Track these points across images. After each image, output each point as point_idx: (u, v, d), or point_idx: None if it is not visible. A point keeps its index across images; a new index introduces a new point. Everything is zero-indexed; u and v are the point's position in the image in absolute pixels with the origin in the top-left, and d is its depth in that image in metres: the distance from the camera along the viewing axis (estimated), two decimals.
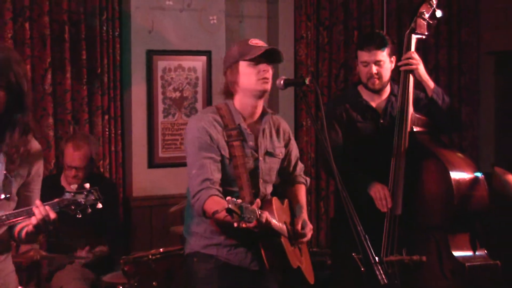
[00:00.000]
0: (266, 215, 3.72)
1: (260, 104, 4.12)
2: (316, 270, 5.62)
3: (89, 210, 3.48)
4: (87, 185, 3.49)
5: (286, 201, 4.23)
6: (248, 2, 6.95)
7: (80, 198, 3.46)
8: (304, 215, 4.20)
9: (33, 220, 3.36)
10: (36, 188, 3.66)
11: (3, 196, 3.46)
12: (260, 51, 3.97)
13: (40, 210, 3.34)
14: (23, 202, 3.56)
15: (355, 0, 7.15)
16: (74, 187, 3.47)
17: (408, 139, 4.70)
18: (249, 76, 4.00)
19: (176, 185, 6.28)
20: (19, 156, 3.49)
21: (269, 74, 4.01)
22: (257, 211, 3.60)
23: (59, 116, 6.09)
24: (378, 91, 4.92)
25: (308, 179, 4.44)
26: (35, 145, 3.61)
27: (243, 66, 4.01)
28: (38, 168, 3.65)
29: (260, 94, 4.05)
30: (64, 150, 5.57)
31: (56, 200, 3.44)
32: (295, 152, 4.35)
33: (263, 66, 3.98)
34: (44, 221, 3.35)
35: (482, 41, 7.69)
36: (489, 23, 7.61)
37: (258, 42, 4.05)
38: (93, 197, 3.48)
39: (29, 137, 3.55)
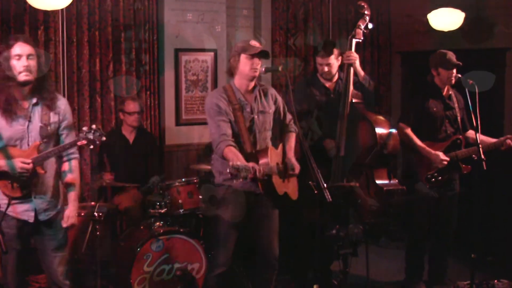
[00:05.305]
0: (257, 167, 3.72)
1: (252, 83, 4.10)
2: None
3: (98, 142, 3.34)
4: (94, 126, 3.36)
5: (280, 145, 4.20)
6: (241, 17, 6.79)
7: (90, 135, 3.33)
8: (292, 157, 4.15)
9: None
10: (67, 128, 3.53)
11: (39, 141, 3.38)
12: (255, 51, 3.97)
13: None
14: (64, 139, 3.50)
15: (311, 16, 7.04)
16: (85, 128, 3.34)
17: (349, 107, 4.67)
18: (245, 66, 4.00)
19: (194, 137, 6.24)
20: (50, 108, 3.38)
21: (259, 66, 4.01)
22: (251, 168, 3.60)
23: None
24: (330, 79, 4.90)
25: (297, 128, 4.27)
26: (60, 98, 3.51)
27: (242, 57, 4.00)
28: (65, 114, 3.52)
29: (251, 78, 4.05)
30: (124, 105, 5.48)
31: (75, 138, 3.37)
32: (282, 105, 4.31)
33: (255, 61, 3.98)
34: None
35: (392, 45, 7.60)
36: (397, 32, 7.52)
37: (256, 44, 4.03)
38: (98, 133, 3.33)
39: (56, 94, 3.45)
